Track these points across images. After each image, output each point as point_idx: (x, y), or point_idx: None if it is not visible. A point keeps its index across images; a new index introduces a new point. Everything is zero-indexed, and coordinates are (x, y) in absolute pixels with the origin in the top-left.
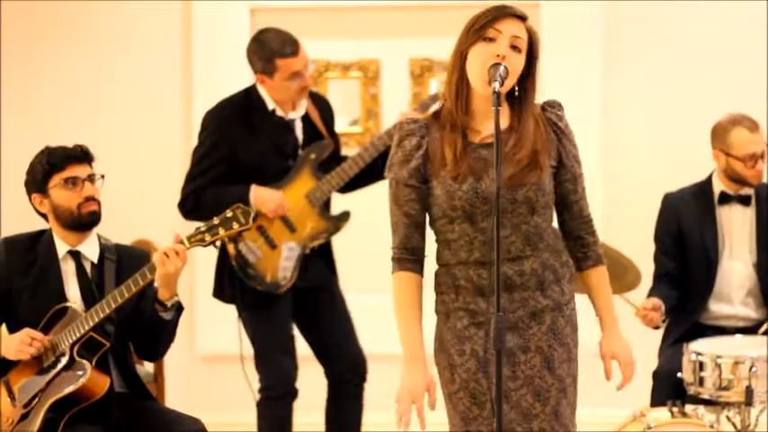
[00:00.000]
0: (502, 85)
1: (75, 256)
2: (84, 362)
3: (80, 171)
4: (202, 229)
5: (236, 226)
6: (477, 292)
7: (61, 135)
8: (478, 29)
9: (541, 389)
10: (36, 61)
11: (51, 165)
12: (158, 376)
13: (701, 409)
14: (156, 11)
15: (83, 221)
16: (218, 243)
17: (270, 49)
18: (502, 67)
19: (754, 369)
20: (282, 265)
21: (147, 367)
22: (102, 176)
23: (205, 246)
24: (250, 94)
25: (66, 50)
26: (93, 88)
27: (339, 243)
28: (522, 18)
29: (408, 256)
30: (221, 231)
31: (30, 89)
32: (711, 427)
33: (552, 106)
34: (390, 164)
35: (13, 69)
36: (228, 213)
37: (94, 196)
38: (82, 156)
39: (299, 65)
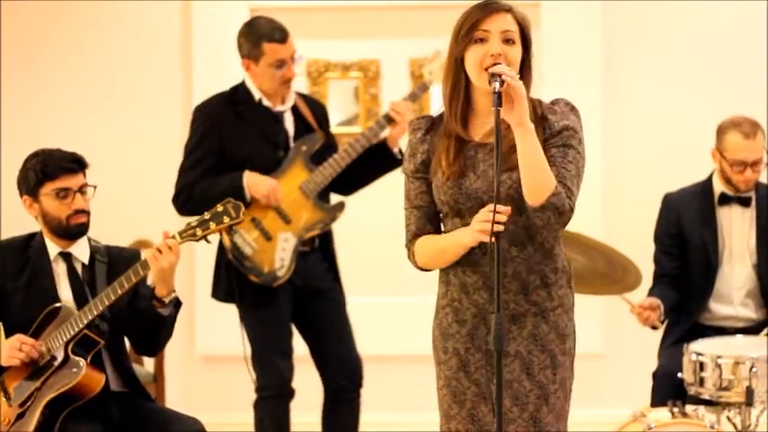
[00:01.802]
0: (503, 85)
1: (67, 257)
2: (79, 359)
3: (72, 182)
4: (193, 224)
5: (226, 220)
6: (462, 289)
7: (61, 135)
8: (466, 33)
9: (519, 393)
10: (36, 61)
11: (44, 173)
12: (158, 376)
13: (702, 409)
14: (156, 11)
15: (71, 232)
16: (209, 237)
17: (259, 32)
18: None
19: (754, 369)
20: (279, 256)
21: (147, 367)
22: (95, 187)
23: (197, 240)
24: (238, 88)
25: (67, 50)
26: (93, 88)
27: (339, 244)
28: (507, 9)
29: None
30: (212, 225)
31: (30, 89)
32: (712, 427)
33: (554, 102)
34: (403, 159)
35: (13, 69)
36: (219, 207)
37: (84, 209)
38: (75, 166)
39: (286, 53)
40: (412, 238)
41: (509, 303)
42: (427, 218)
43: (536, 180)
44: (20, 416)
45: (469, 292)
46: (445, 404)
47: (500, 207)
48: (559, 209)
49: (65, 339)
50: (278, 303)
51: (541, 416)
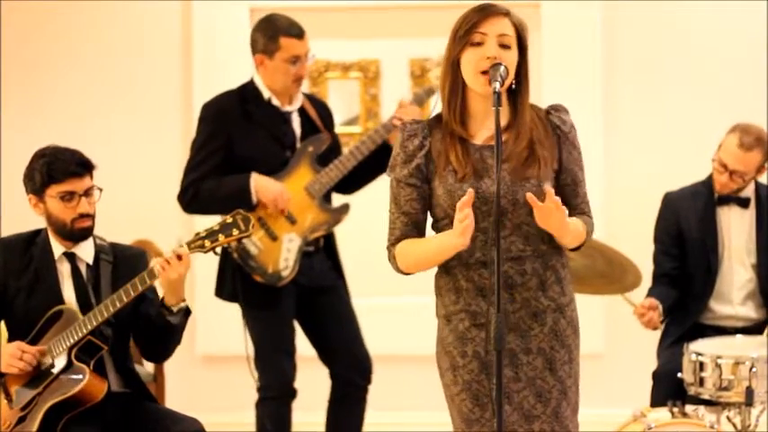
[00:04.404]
0: (503, 85)
1: (71, 257)
2: (83, 366)
3: (78, 185)
4: (202, 234)
5: (235, 233)
6: (478, 292)
7: (60, 135)
8: (463, 35)
9: (543, 390)
10: (36, 61)
11: (50, 176)
12: (158, 376)
13: (702, 409)
14: (156, 11)
15: (74, 235)
16: (217, 250)
17: (277, 27)
18: (502, 68)
19: (754, 369)
20: (284, 256)
21: (147, 367)
22: (101, 189)
23: (205, 252)
24: (246, 87)
25: (67, 50)
26: (93, 88)
27: (344, 245)
28: (505, 13)
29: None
30: (221, 238)
31: (30, 89)
32: (712, 427)
33: (557, 110)
34: (393, 164)
35: (13, 69)
36: (229, 219)
37: (89, 212)
38: (82, 170)
39: (302, 49)
40: (395, 242)
41: (530, 301)
42: (414, 225)
43: (575, 243)
44: (21, 419)
45: (488, 294)
46: (465, 408)
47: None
48: (585, 243)
49: (68, 344)
50: (281, 303)
51: (562, 411)
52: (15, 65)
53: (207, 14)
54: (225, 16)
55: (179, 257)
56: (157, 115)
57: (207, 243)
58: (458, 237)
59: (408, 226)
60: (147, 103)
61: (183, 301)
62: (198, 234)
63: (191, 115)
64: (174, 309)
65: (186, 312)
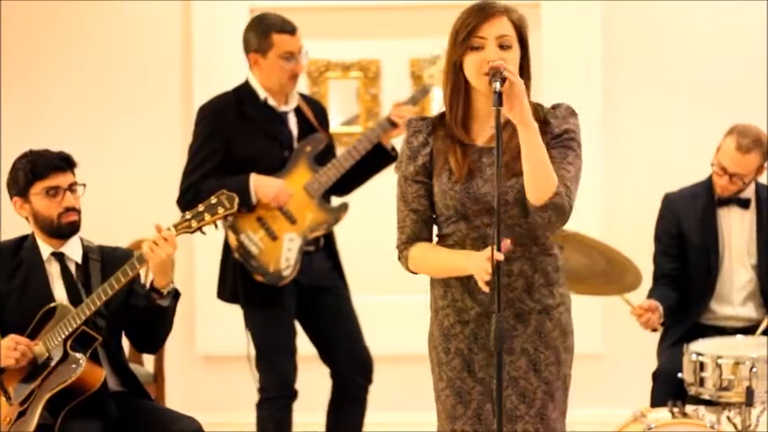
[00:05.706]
0: (503, 84)
1: (59, 257)
2: (79, 355)
3: (62, 180)
4: (188, 216)
5: (221, 210)
6: (465, 289)
7: (61, 135)
8: (463, 40)
9: (527, 390)
10: (36, 61)
11: (34, 173)
12: (158, 376)
13: (702, 409)
14: (156, 11)
15: (62, 231)
16: (204, 229)
17: (269, 24)
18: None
19: (754, 369)
20: (285, 255)
21: (147, 367)
22: (84, 185)
23: (192, 232)
24: (241, 88)
25: (66, 50)
26: (93, 88)
27: (343, 243)
28: (503, 12)
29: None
30: (207, 217)
31: (30, 89)
32: (712, 427)
33: (554, 108)
34: (399, 161)
35: (13, 69)
36: (213, 200)
37: (75, 206)
38: (65, 164)
39: (294, 45)
40: (406, 241)
41: (515, 302)
42: (423, 222)
43: (539, 178)
44: (21, 414)
45: (473, 291)
46: (449, 405)
47: (502, 247)
48: (560, 208)
49: (63, 336)
50: (283, 304)
51: (548, 412)
52: (15, 65)
53: (207, 14)
54: (225, 16)
55: (165, 239)
56: (157, 115)
57: (193, 223)
58: (475, 272)
59: (419, 223)
60: (146, 103)
61: (172, 282)
62: (184, 216)
63: (190, 115)
64: (164, 291)
65: (175, 294)
